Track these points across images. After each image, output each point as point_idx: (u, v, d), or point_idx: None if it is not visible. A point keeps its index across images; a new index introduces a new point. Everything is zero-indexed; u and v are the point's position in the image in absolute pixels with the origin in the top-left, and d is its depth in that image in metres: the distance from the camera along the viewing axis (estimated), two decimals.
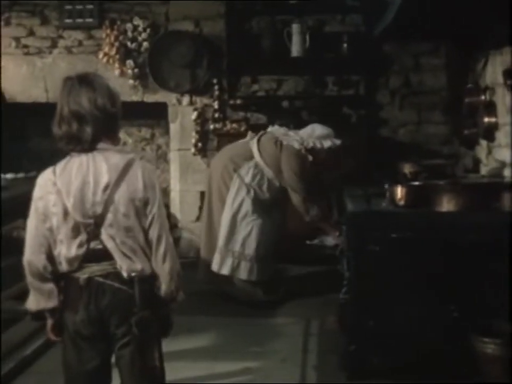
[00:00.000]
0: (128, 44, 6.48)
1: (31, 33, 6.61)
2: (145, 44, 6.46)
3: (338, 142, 5.33)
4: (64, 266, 2.52)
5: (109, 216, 2.49)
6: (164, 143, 7.13)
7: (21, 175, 6.19)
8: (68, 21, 6.55)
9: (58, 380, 3.68)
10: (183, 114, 6.56)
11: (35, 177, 6.04)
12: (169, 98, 6.59)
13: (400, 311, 3.72)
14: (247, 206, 5.09)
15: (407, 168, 4.34)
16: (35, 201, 2.53)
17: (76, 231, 2.49)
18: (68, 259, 2.50)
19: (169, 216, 6.65)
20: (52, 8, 6.58)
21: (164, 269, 2.56)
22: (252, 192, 5.12)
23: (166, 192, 6.97)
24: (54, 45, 6.63)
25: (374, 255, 3.70)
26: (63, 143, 2.55)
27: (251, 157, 5.22)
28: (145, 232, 2.54)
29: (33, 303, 2.59)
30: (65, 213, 2.47)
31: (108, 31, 6.47)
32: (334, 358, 4.12)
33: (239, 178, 5.14)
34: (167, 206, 6.70)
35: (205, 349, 4.32)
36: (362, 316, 3.76)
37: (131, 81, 6.49)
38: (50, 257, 2.53)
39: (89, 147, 2.51)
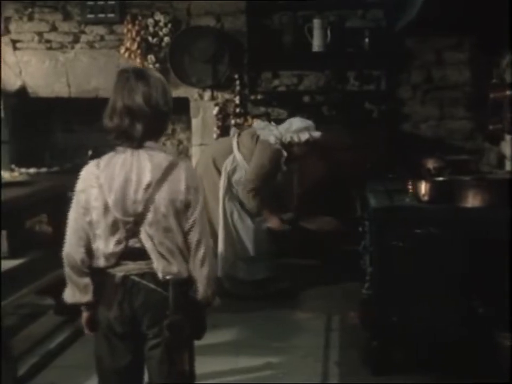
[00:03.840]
0: (150, 39, 6.47)
1: (54, 28, 6.62)
2: (166, 39, 6.46)
3: (316, 134, 5.36)
4: (101, 262, 2.51)
5: (149, 216, 2.46)
6: (185, 138, 7.13)
7: (43, 169, 6.23)
8: (90, 16, 6.56)
9: (81, 374, 3.76)
10: (205, 109, 6.56)
11: (57, 172, 6.09)
12: (191, 93, 6.59)
13: (424, 306, 3.70)
14: (236, 207, 5.25)
15: (430, 164, 4.31)
16: (77, 194, 2.52)
17: (114, 227, 2.47)
18: (105, 255, 2.49)
19: None
20: (74, 4, 6.58)
21: (201, 273, 2.54)
22: (235, 191, 5.28)
23: None
24: (76, 40, 6.64)
25: (398, 251, 3.69)
26: (114, 137, 2.55)
27: (231, 152, 5.35)
28: (185, 235, 2.51)
29: (69, 295, 2.60)
30: (106, 208, 2.45)
31: (129, 26, 6.47)
32: (356, 353, 4.13)
33: (226, 175, 5.29)
34: None
35: (227, 344, 4.33)
36: (385, 311, 3.75)
37: None
38: (89, 251, 2.52)
39: (137, 144, 2.49)
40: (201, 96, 6.58)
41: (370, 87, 6.47)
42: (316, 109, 6.45)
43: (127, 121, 2.47)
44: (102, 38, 6.63)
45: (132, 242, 2.48)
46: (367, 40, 6.27)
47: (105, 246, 2.48)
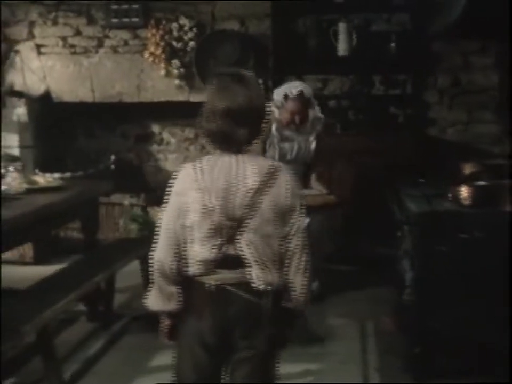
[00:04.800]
0: (174, 43, 6.45)
1: (78, 32, 6.62)
2: (191, 44, 6.44)
3: (294, 90, 4.86)
4: (193, 268, 2.41)
5: (251, 221, 2.37)
6: (207, 143, 7.09)
7: (67, 174, 6.23)
8: (114, 20, 6.55)
9: (120, 381, 3.74)
10: None
11: (82, 177, 6.07)
12: None
13: (467, 311, 3.66)
14: None
15: (468, 168, 4.26)
16: (173, 197, 2.45)
17: (213, 232, 2.37)
18: (201, 261, 2.39)
19: None
20: (98, 8, 6.58)
21: (302, 281, 2.46)
22: None
23: None
24: (100, 44, 6.63)
25: (441, 256, 3.65)
26: (211, 140, 2.48)
27: None
28: (285, 241, 2.43)
29: (153, 302, 2.50)
30: (206, 212, 2.36)
31: (154, 30, 6.45)
32: (395, 359, 4.09)
33: None
34: None
35: None
36: (428, 317, 3.71)
37: (177, 81, 6.48)
38: (180, 257, 2.42)
39: (238, 148, 2.43)
40: None
41: (396, 91, 6.44)
42: (341, 114, 6.42)
43: (230, 125, 2.39)
44: (125, 43, 6.62)
45: (229, 249, 2.39)
46: (393, 44, 6.24)
47: (201, 251, 2.38)
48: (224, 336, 2.42)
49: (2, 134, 6.64)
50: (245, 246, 2.38)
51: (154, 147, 7.20)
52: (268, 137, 4.90)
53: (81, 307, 4.71)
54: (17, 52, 6.58)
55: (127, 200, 6.51)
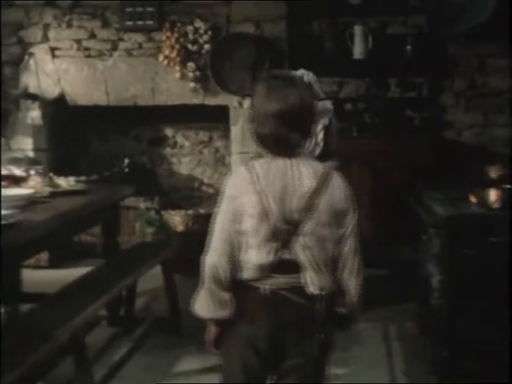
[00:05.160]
0: (189, 46, 6.43)
1: (92, 35, 6.58)
2: (206, 46, 6.41)
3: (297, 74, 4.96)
4: (248, 274, 2.38)
5: (307, 225, 2.35)
6: (222, 146, 7.10)
7: (82, 178, 6.19)
8: (128, 23, 6.52)
9: None
10: (244, 117, 6.49)
11: (96, 181, 6.06)
12: (231, 101, 6.53)
13: (496, 315, 3.64)
14: None
15: (494, 171, 4.25)
16: (227, 201, 2.39)
17: (270, 236, 2.34)
18: (257, 266, 2.35)
19: None
20: (113, 11, 6.55)
21: (356, 285, 2.45)
22: None
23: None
24: (114, 47, 6.59)
25: (470, 259, 3.64)
26: (263, 144, 2.44)
27: None
28: (339, 244, 2.41)
29: (204, 309, 2.45)
30: (263, 216, 2.33)
31: (169, 33, 6.42)
32: (421, 363, 4.07)
33: None
34: None
35: None
36: (456, 321, 3.69)
37: (192, 84, 6.45)
38: (233, 262, 2.38)
39: (292, 151, 2.41)
40: (240, 104, 6.53)
41: (412, 94, 6.43)
42: (358, 117, 6.40)
43: (282, 128, 2.37)
44: (140, 46, 6.58)
45: (283, 254, 2.36)
46: (409, 46, 6.22)
47: (258, 256, 2.35)
48: (277, 341, 2.40)
49: (17, 137, 6.63)
50: (300, 249, 2.36)
51: (168, 150, 7.19)
52: None
53: (101, 311, 4.68)
54: (31, 54, 6.55)
55: (142, 204, 6.48)
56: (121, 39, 6.60)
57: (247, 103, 6.51)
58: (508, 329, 3.63)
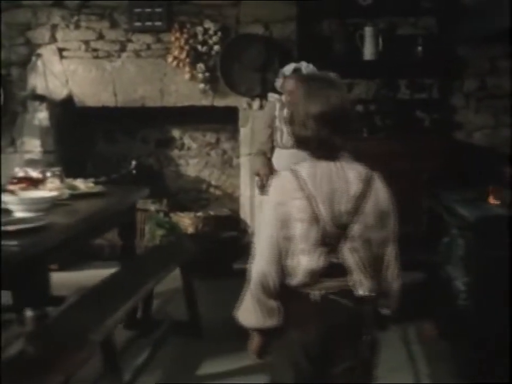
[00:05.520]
0: (199, 47, 6.40)
1: (101, 36, 6.54)
2: (216, 48, 6.38)
3: (295, 65, 4.78)
4: (297, 280, 2.34)
5: (354, 228, 2.32)
6: (229, 148, 7.07)
7: (90, 179, 6.15)
8: (137, 24, 6.48)
9: None
10: (253, 119, 6.47)
11: (105, 182, 6.01)
12: (240, 102, 6.51)
13: None
14: None
15: None
16: (274, 207, 2.33)
17: (320, 241, 2.31)
18: (307, 271, 2.32)
19: (239, 221, 6.58)
20: (121, 11, 6.51)
21: (396, 286, 2.44)
22: None
23: (233, 198, 6.91)
24: (123, 48, 6.55)
25: (497, 260, 3.62)
26: (305, 147, 2.41)
27: None
28: (382, 246, 2.39)
29: (251, 318, 2.39)
30: (313, 221, 2.30)
31: (178, 34, 6.39)
32: (444, 365, 4.06)
33: None
34: (236, 212, 6.65)
35: None
36: (484, 323, 3.68)
37: (201, 85, 6.42)
38: (281, 269, 2.34)
39: (336, 153, 2.38)
40: (250, 105, 6.51)
41: (422, 95, 6.42)
42: (368, 118, 6.39)
43: (326, 130, 2.33)
44: (148, 47, 6.55)
45: (332, 258, 2.33)
46: (419, 48, 6.22)
47: (308, 261, 2.31)
48: (328, 346, 2.37)
49: (24, 138, 6.58)
50: (348, 253, 2.34)
51: (175, 152, 7.15)
52: (272, 121, 4.90)
53: None
54: (39, 55, 6.50)
55: (151, 206, 6.44)
56: (129, 40, 6.56)
57: (256, 104, 6.50)
58: None
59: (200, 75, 6.41)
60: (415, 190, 5.86)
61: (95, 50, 6.56)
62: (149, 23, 6.49)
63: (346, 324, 2.36)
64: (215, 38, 6.40)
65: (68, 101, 6.59)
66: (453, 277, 4.05)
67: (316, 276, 2.33)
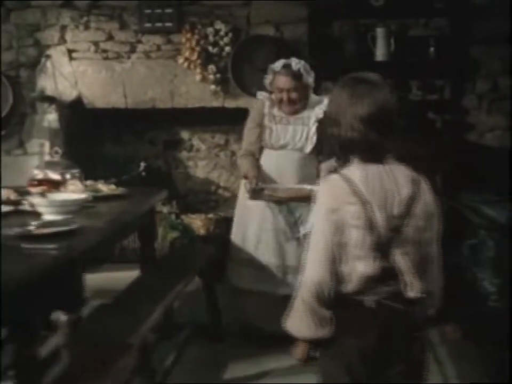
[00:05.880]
0: (210, 48, 6.36)
1: (110, 37, 6.49)
2: (227, 49, 6.35)
3: (286, 61, 4.54)
4: (352, 286, 2.30)
5: (405, 231, 2.30)
6: (238, 149, 7.02)
7: (100, 181, 6.10)
8: (147, 25, 6.44)
9: None
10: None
11: (115, 184, 5.94)
12: (251, 103, 6.44)
13: None
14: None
15: None
16: (326, 214, 2.29)
17: (375, 245, 2.28)
18: (364, 277, 2.29)
19: None
20: (131, 12, 6.46)
21: (439, 286, 2.42)
22: None
23: None
24: (132, 49, 6.50)
25: None
26: (351, 150, 2.36)
27: None
28: (428, 247, 2.37)
29: (304, 329, 2.33)
30: (369, 226, 2.27)
31: (189, 35, 6.35)
32: (472, 366, 4.04)
33: None
34: None
35: None
36: None
37: (212, 87, 6.39)
38: (335, 277, 2.30)
39: (383, 156, 2.35)
40: None
41: (434, 96, 6.40)
42: None
43: (374, 132, 2.31)
44: (158, 48, 6.50)
45: (384, 262, 2.30)
46: (432, 49, 6.20)
47: (364, 267, 2.28)
48: (383, 350, 2.34)
49: (33, 140, 6.53)
50: (400, 256, 2.31)
51: (184, 154, 7.11)
52: (261, 120, 4.62)
53: None
54: (48, 56, 6.45)
55: (163, 208, 6.40)
56: (139, 41, 6.51)
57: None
58: None
59: (211, 76, 6.37)
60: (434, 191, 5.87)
61: (104, 51, 6.51)
62: (159, 24, 6.44)
63: (400, 327, 2.34)
64: (226, 39, 6.36)
65: (77, 102, 6.54)
66: (480, 278, 4.03)
67: (370, 282, 2.30)
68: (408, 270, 2.32)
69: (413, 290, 2.33)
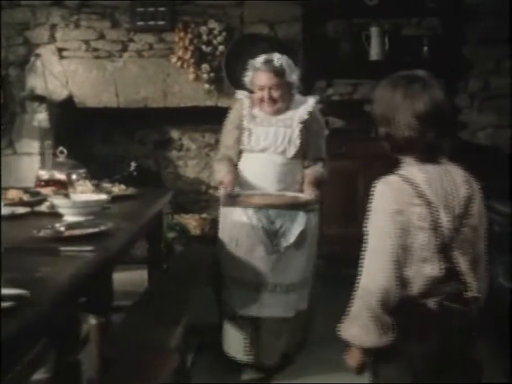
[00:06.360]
0: (203, 47, 6.32)
1: (101, 36, 6.41)
2: (221, 48, 6.31)
3: (266, 57, 4.22)
4: (415, 290, 2.27)
5: (464, 231, 2.30)
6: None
7: (94, 182, 6.02)
8: (139, 23, 6.37)
9: None
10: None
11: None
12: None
13: None
14: None
15: None
16: (391, 216, 2.25)
17: (439, 247, 2.26)
18: (429, 280, 2.26)
19: None
20: (123, 11, 6.39)
21: (486, 284, 2.42)
22: None
23: None
24: (124, 48, 6.43)
25: None
26: (409, 150, 2.35)
27: None
28: (478, 246, 2.37)
29: (367, 338, 2.28)
30: (434, 227, 2.25)
31: (182, 34, 6.30)
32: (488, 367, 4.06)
33: None
34: None
35: None
36: None
37: (206, 86, 6.34)
38: (400, 282, 2.26)
39: (441, 156, 2.35)
40: None
41: None
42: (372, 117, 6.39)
43: (431, 131, 2.30)
44: (150, 47, 6.44)
45: (447, 262, 2.28)
46: (425, 48, 6.25)
47: (431, 269, 2.26)
48: (446, 351, 2.33)
49: (23, 140, 6.41)
50: (459, 256, 2.31)
51: (174, 153, 7.06)
52: (240, 121, 4.19)
53: None
54: (38, 55, 6.34)
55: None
56: (131, 40, 6.44)
57: None
58: None
59: (204, 75, 6.33)
60: None
61: (95, 50, 6.42)
62: (151, 23, 6.38)
63: (460, 328, 2.34)
64: (219, 38, 6.32)
65: (68, 101, 6.44)
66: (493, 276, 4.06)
67: (435, 283, 2.28)
68: (466, 270, 2.32)
69: (471, 290, 2.33)
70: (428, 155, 2.34)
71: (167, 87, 6.44)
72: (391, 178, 2.34)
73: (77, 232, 2.99)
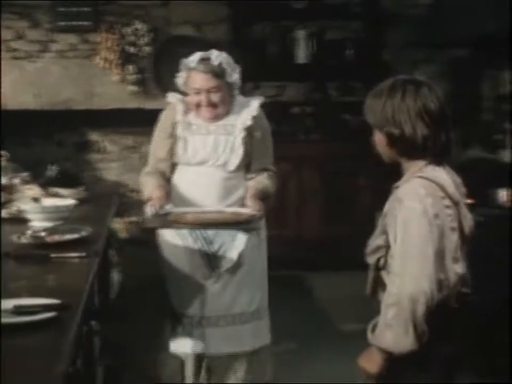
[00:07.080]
0: (128, 48, 6.21)
1: (20, 36, 6.18)
2: (146, 49, 6.23)
3: (203, 55, 3.65)
4: (446, 291, 2.24)
5: (467, 228, 2.33)
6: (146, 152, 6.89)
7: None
8: (61, 23, 6.19)
9: None
10: None
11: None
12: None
13: None
14: None
15: None
16: (430, 220, 2.19)
17: (462, 245, 2.28)
18: (459, 281, 2.26)
19: None
20: (43, 11, 6.19)
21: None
22: None
23: None
24: (45, 49, 6.23)
25: None
26: (423, 149, 2.30)
27: None
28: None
29: (405, 344, 2.20)
30: (460, 227, 2.27)
31: (106, 34, 6.17)
32: None
33: None
34: None
35: None
36: None
37: (131, 87, 6.24)
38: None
39: (449, 157, 2.35)
40: None
41: (351, 98, 6.59)
42: (299, 120, 6.48)
43: (443, 133, 2.30)
44: (74, 47, 6.28)
45: (466, 261, 2.31)
46: (350, 51, 6.40)
47: (462, 269, 2.26)
48: (471, 347, 2.36)
49: None
50: (465, 255, 2.35)
51: (94, 156, 6.88)
52: (173, 129, 3.54)
53: None
54: None
55: None
56: (53, 41, 6.24)
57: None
58: None
59: (129, 77, 6.22)
60: (355, 189, 6.10)
61: (15, 50, 6.18)
62: (74, 23, 6.22)
63: (476, 326, 2.38)
64: (145, 39, 6.24)
65: None
66: None
67: (459, 285, 2.29)
68: (470, 269, 2.35)
69: (468, 286, 2.34)
70: (441, 156, 2.35)
71: (91, 88, 6.29)
72: (418, 181, 2.28)
73: (67, 237, 2.88)
